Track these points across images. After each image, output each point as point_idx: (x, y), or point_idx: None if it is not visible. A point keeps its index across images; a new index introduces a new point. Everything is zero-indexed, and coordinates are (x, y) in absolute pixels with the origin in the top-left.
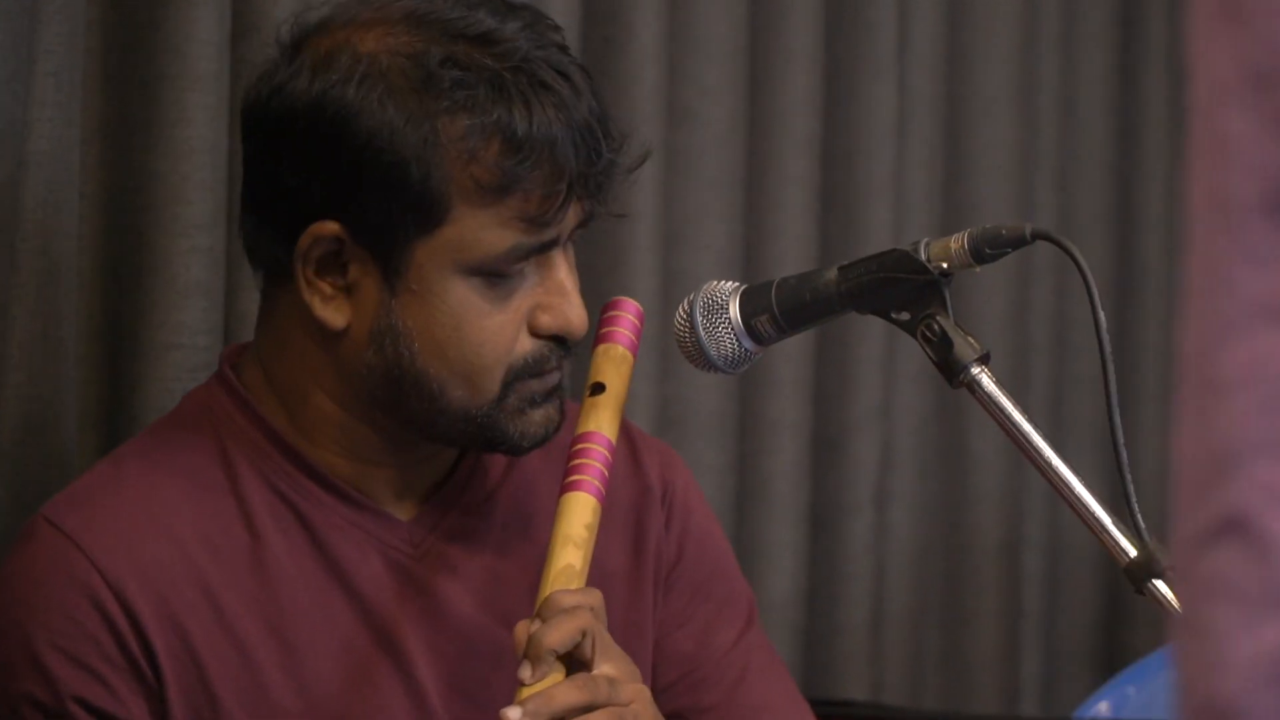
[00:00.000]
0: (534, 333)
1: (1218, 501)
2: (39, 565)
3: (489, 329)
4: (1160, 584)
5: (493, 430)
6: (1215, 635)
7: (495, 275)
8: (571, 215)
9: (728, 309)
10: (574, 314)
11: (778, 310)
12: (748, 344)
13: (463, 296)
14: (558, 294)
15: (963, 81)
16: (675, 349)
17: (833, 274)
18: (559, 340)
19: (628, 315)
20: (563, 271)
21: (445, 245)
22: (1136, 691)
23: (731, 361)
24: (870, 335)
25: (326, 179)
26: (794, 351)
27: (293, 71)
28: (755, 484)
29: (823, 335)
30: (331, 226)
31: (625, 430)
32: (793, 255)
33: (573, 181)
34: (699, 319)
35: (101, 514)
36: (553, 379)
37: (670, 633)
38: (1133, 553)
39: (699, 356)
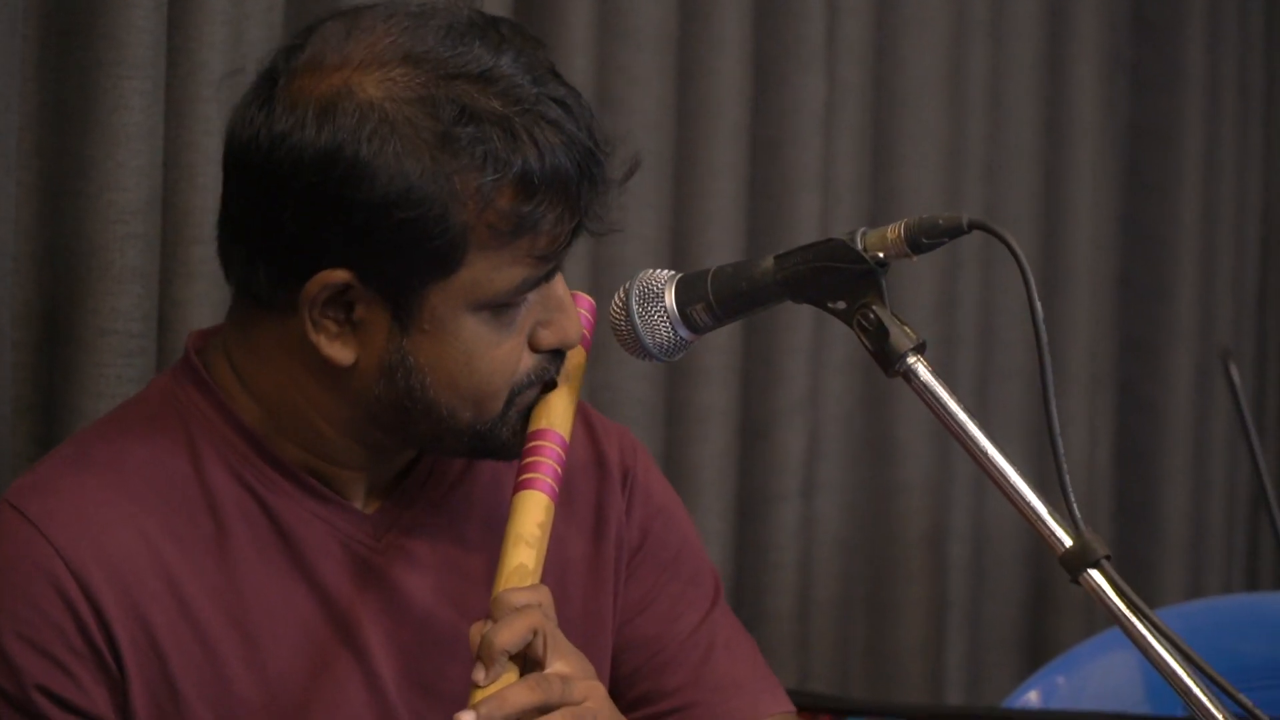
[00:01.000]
0: (534, 348)
1: None
2: (3, 552)
3: (498, 357)
4: (1095, 573)
5: (493, 440)
6: None
7: (503, 306)
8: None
9: (663, 297)
10: (572, 327)
11: (713, 299)
12: (683, 332)
13: (474, 331)
14: (557, 310)
15: (891, 72)
16: (605, 336)
17: (769, 263)
18: (555, 351)
19: (583, 311)
20: (560, 286)
21: (458, 288)
22: (1066, 681)
23: (667, 350)
24: (798, 324)
25: (338, 232)
26: (722, 340)
27: (295, 120)
28: (683, 472)
29: (750, 324)
30: (341, 274)
31: (584, 415)
32: (722, 244)
33: (581, 214)
34: (635, 307)
35: (67, 502)
36: (541, 389)
37: (633, 618)
38: (1068, 542)
39: (634, 344)
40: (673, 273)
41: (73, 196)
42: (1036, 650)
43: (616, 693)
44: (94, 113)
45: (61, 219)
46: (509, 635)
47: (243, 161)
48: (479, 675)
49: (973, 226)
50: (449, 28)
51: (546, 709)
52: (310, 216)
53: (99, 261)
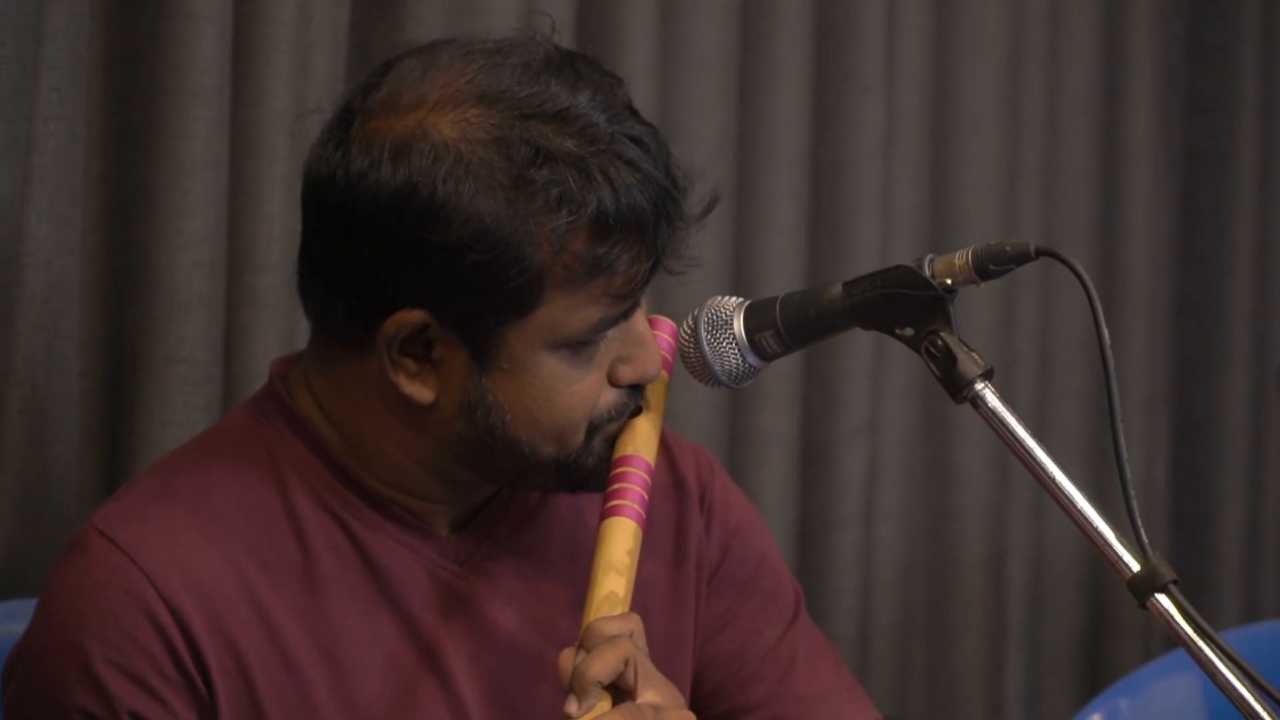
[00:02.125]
0: (614, 383)
1: None
2: (93, 578)
3: (578, 393)
4: (1162, 598)
5: (578, 471)
6: None
7: (581, 344)
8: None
9: (732, 324)
10: (651, 363)
11: (782, 326)
12: (752, 359)
13: (552, 369)
14: (637, 345)
15: (949, 97)
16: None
17: (837, 290)
18: (635, 386)
19: (663, 335)
20: (640, 322)
21: (536, 327)
22: (1129, 704)
23: (735, 377)
24: (859, 350)
25: (414, 272)
26: (783, 367)
27: (371, 160)
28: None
29: (811, 350)
30: (418, 314)
31: (661, 438)
32: (782, 269)
33: (658, 253)
34: (704, 334)
35: (155, 529)
36: (627, 418)
37: (714, 635)
38: (1135, 567)
39: (703, 371)
40: (741, 300)
41: (139, 225)
42: (1094, 674)
43: (701, 711)
44: (160, 141)
45: (128, 247)
46: (601, 666)
47: (320, 201)
48: (571, 707)
49: (1040, 253)
50: (525, 66)
51: None
52: (386, 257)
53: (165, 290)
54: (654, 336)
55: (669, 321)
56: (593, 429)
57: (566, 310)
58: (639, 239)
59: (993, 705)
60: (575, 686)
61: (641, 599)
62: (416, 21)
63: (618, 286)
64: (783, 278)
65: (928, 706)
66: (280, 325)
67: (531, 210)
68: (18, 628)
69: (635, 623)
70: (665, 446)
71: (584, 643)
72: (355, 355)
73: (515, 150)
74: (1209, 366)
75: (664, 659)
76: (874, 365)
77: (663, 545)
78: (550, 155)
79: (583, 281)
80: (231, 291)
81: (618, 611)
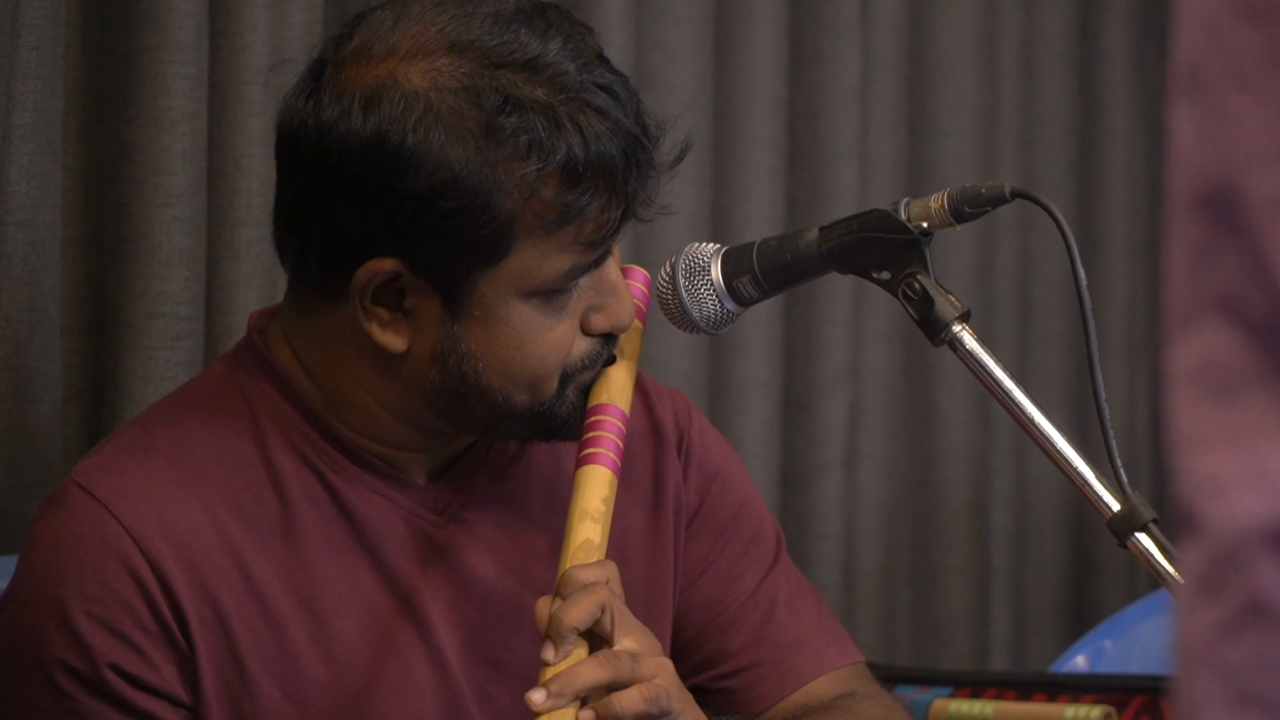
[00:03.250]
0: (586, 332)
1: (1176, 493)
2: (72, 532)
3: (550, 341)
4: (1143, 537)
5: (552, 419)
6: (1176, 617)
7: (553, 292)
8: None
9: (709, 270)
10: (624, 311)
11: (759, 271)
12: (729, 305)
13: (524, 317)
14: (610, 294)
15: (925, 43)
16: (651, 310)
17: (813, 235)
18: (608, 335)
19: (636, 284)
20: (613, 270)
21: (507, 275)
22: (1113, 644)
23: (713, 322)
24: (838, 295)
25: (385, 221)
26: (763, 313)
27: (342, 109)
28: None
29: (790, 296)
30: (390, 263)
31: (638, 384)
32: (761, 216)
33: (628, 202)
34: (681, 281)
35: (134, 481)
36: (601, 366)
37: (694, 581)
38: (1115, 507)
39: (681, 318)
40: (718, 246)
41: (118, 182)
42: (1079, 615)
43: (681, 657)
44: (138, 97)
45: (107, 204)
46: (577, 613)
47: (291, 150)
48: (548, 653)
49: (1015, 195)
50: (496, 15)
51: (616, 685)
52: (357, 206)
53: (146, 245)
54: (627, 286)
55: (643, 271)
56: (566, 378)
57: (538, 258)
58: (609, 186)
59: (978, 648)
60: (551, 633)
61: (620, 546)
62: None
63: (588, 234)
64: (761, 225)
65: (913, 650)
66: (261, 279)
67: (501, 157)
68: (1, 583)
69: (611, 570)
70: (643, 392)
71: (560, 590)
72: (330, 305)
73: (485, 98)
74: None
75: (643, 605)
76: (854, 310)
77: (641, 491)
78: (519, 103)
79: (553, 229)
80: (212, 246)
81: (594, 559)
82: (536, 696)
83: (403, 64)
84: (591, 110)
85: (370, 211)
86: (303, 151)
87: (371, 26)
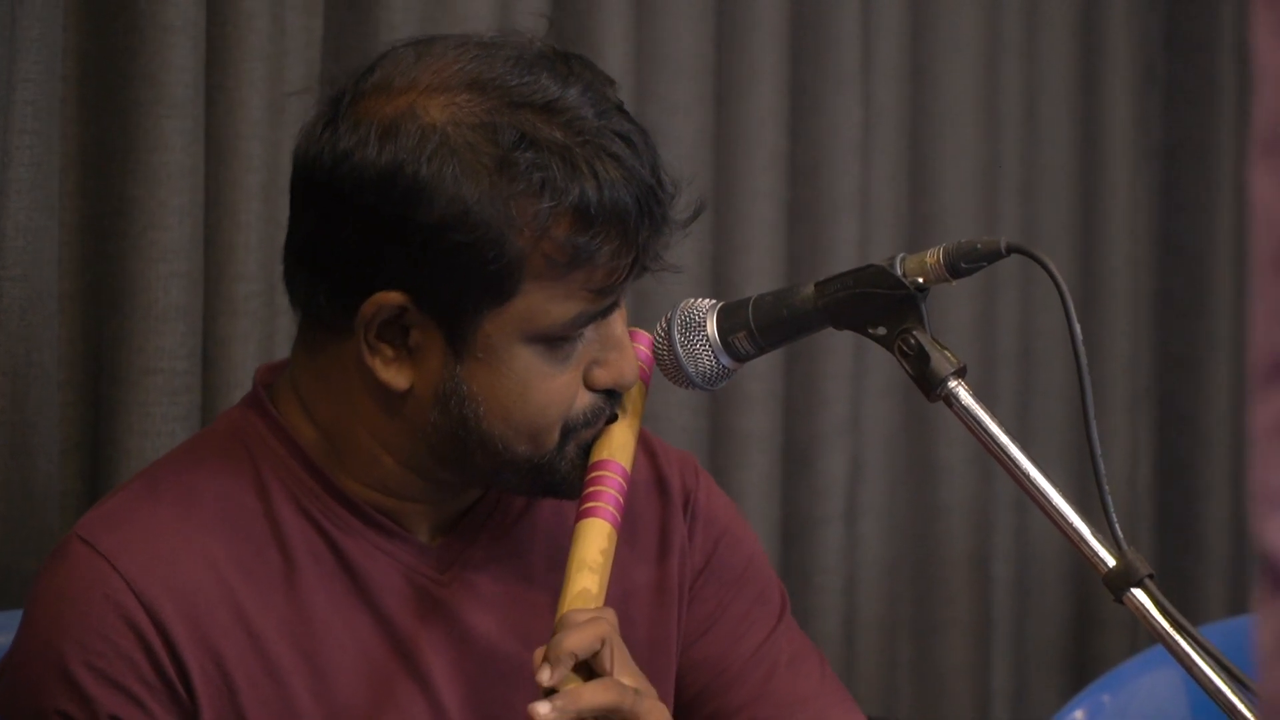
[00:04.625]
0: (590, 386)
1: (1259, 541)
2: (73, 585)
3: (552, 390)
4: (1138, 592)
5: (552, 475)
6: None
7: (558, 340)
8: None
9: (705, 326)
10: (628, 368)
11: (755, 327)
12: (725, 361)
13: (528, 363)
14: (614, 349)
15: (926, 94)
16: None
17: (809, 290)
18: (610, 391)
19: (640, 347)
20: (619, 325)
21: (513, 316)
22: (1111, 699)
23: (709, 378)
24: (839, 349)
25: (395, 252)
26: (763, 367)
27: (359, 139)
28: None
29: (791, 350)
30: (396, 296)
31: (645, 443)
32: (761, 270)
33: (638, 251)
34: (677, 336)
35: (137, 534)
36: (602, 425)
37: (697, 639)
38: (1111, 562)
39: (677, 374)
40: (714, 302)
41: (115, 236)
42: (1082, 669)
43: (683, 714)
44: (135, 152)
45: (104, 259)
46: (578, 638)
47: (306, 180)
48: (544, 675)
49: (1011, 250)
50: (519, 58)
51: (618, 712)
52: (369, 235)
53: (143, 301)
54: (628, 338)
55: (646, 334)
56: (567, 431)
57: (545, 301)
58: (620, 234)
59: (979, 701)
60: (550, 656)
61: (624, 608)
62: (390, 29)
63: (598, 281)
64: (762, 278)
65: (914, 703)
66: (258, 334)
67: (513, 193)
68: (3, 639)
69: (609, 615)
70: (650, 451)
71: (557, 631)
72: (336, 340)
73: (501, 134)
74: (1192, 360)
75: (648, 662)
76: (854, 364)
77: (646, 549)
78: (535, 142)
79: (562, 273)
80: (209, 301)
81: (591, 607)
82: (541, 709)
83: (422, 98)
84: (607, 156)
85: (380, 242)
86: (317, 181)
87: (394, 62)
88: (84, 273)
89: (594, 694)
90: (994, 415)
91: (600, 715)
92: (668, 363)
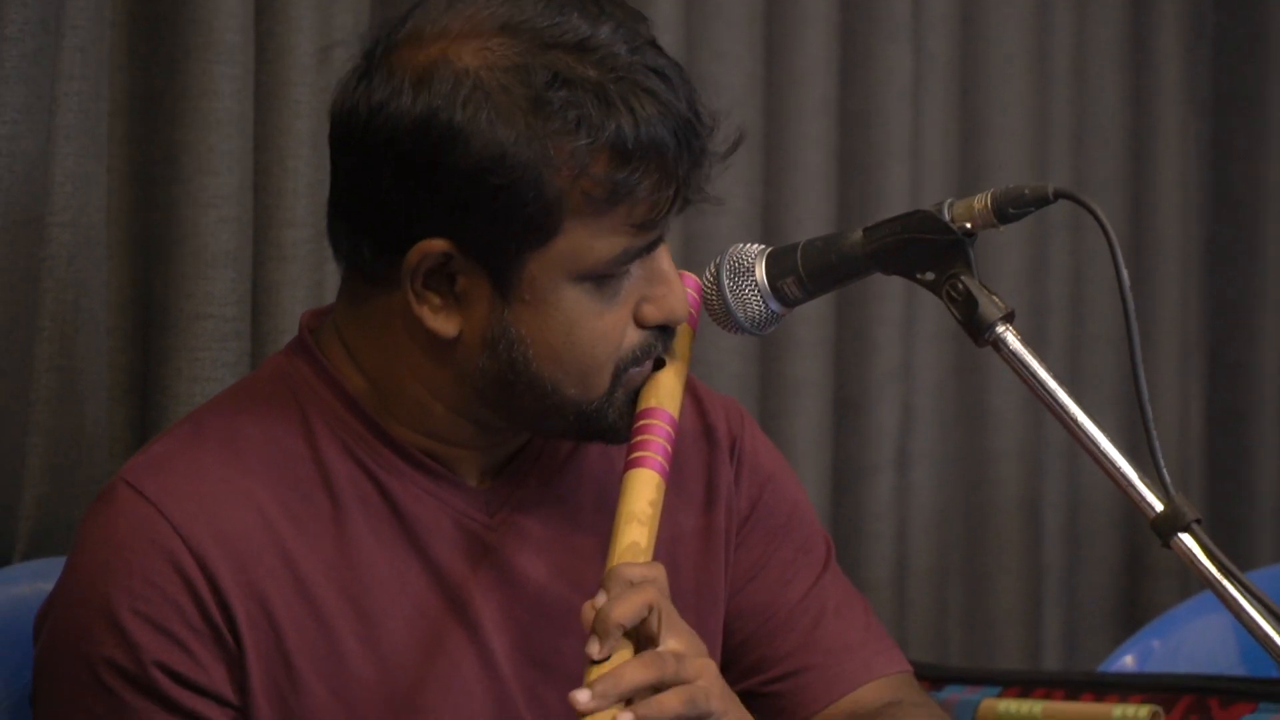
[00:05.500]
0: (639, 323)
1: None
2: (120, 530)
3: (601, 329)
4: (1186, 537)
5: (599, 421)
6: None
7: (605, 277)
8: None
9: (754, 271)
10: (678, 303)
11: (804, 272)
12: (774, 306)
13: (575, 301)
14: (662, 284)
15: (977, 43)
16: (699, 317)
17: (858, 235)
18: (662, 326)
19: (687, 290)
20: (665, 261)
21: (556, 256)
22: (1161, 644)
23: (758, 323)
24: (889, 296)
25: (435, 200)
26: (814, 313)
27: (393, 89)
28: (778, 445)
29: (842, 297)
30: (440, 244)
31: (691, 389)
32: (812, 217)
33: (679, 184)
34: (726, 281)
35: (183, 479)
36: (650, 366)
37: (744, 586)
38: (1158, 507)
39: (726, 318)
40: (763, 247)
41: (165, 183)
42: (1132, 614)
43: (730, 661)
44: (184, 99)
45: (154, 205)
46: (624, 610)
47: (343, 133)
48: (593, 649)
49: (1059, 196)
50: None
51: (661, 686)
52: (408, 185)
53: (192, 247)
54: (675, 273)
55: (693, 277)
56: (618, 372)
57: (588, 239)
58: (659, 167)
59: (1030, 648)
60: (598, 628)
61: (671, 553)
62: None
63: (640, 216)
64: (813, 225)
65: (965, 650)
66: (307, 280)
67: (549, 132)
68: (49, 585)
69: (659, 570)
70: (695, 396)
71: (606, 588)
72: (382, 292)
73: (534, 75)
74: (1242, 309)
75: (694, 611)
76: (905, 310)
77: (693, 495)
78: (569, 80)
79: (603, 209)
80: (258, 247)
81: (640, 560)
82: (581, 697)
83: (454, 44)
84: (642, 91)
85: (420, 190)
86: (354, 134)
87: (425, 12)
88: (133, 219)
89: (634, 673)
90: (1042, 361)
91: (644, 690)
92: (716, 308)
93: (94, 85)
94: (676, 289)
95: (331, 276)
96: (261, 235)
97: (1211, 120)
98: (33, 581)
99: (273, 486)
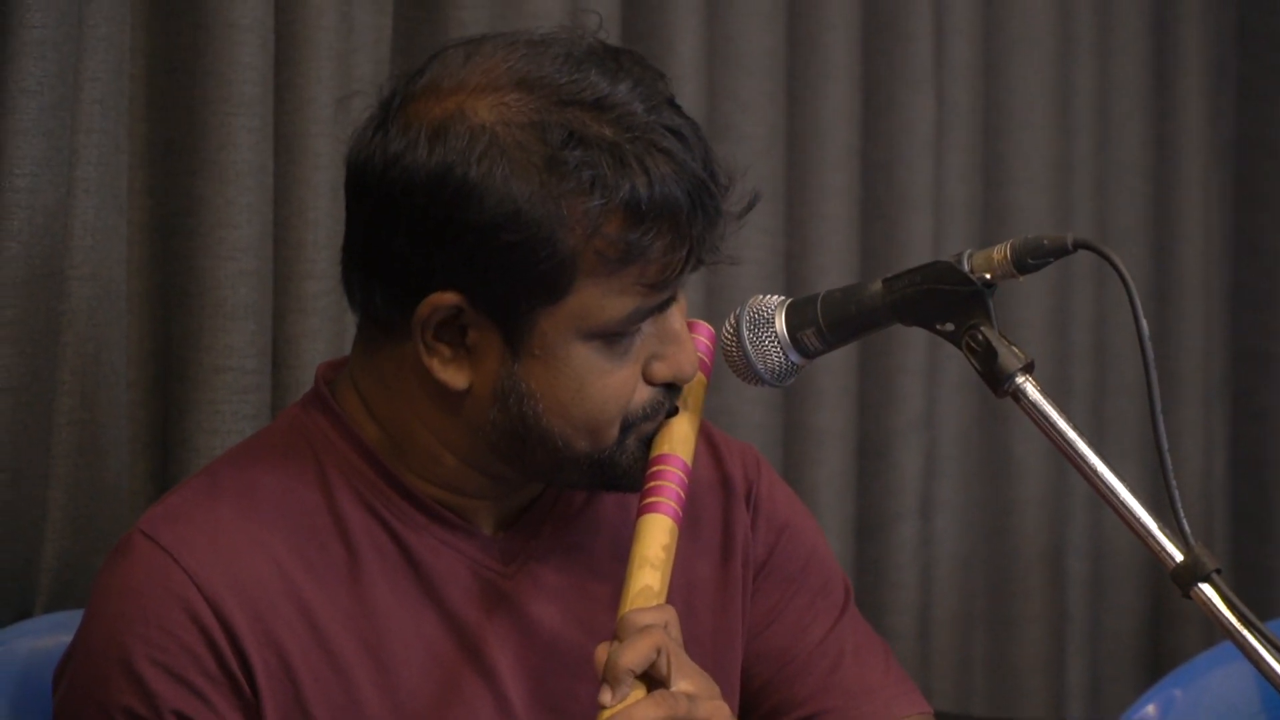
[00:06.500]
0: (649, 381)
1: None
2: (136, 579)
3: (610, 386)
4: (1206, 587)
5: (612, 469)
6: None
7: (615, 335)
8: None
9: (774, 323)
10: (687, 361)
11: (823, 323)
12: (794, 357)
13: (585, 359)
14: (672, 343)
15: (999, 91)
16: (720, 362)
17: (877, 286)
18: (670, 385)
19: (701, 338)
20: (677, 319)
21: (568, 314)
22: (1183, 694)
23: (778, 375)
24: (912, 345)
25: (447, 253)
26: (837, 362)
27: (409, 141)
28: (801, 494)
29: (865, 346)
30: (451, 296)
31: (707, 436)
32: (834, 267)
33: (692, 245)
34: (745, 333)
35: (199, 530)
36: (663, 418)
37: (761, 631)
38: (1179, 557)
39: (746, 370)
40: (782, 298)
41: (184, 235)
42: (1157, 663)
43: (750, 706)
44: (203, 150)
45: (173, 257)
46: (633, 655)
47: (358, 182)
48: (605, 696)
49: (1078, 246)
50: (568, 55)
51: None
52: (421, 237)
53: (212, 299)
54: (686, 330)
55: (707, 325)
56: (627, 426)
57: (599, 298)
58: (673, 229)
59: (1055, 697)
60: (609, 676)
61: (687, 599)
62: (459, 25)
63: (652, 276)
64: (835, 275)
65: (989, 699)
66: (328, 332)
67: (563, 191)
68: (70, 637)
69: (669, 614)
70: (712, 444)
71: (618, 634)
72: (394, 342)
73: (550, 133)
74: (1266, 355)
75: (712, 655)
76: (928, 359)
77: (709, 542)
78: (585, 139)
79: (615, 269)
80: (278, 299)
81: (652, 604)
82: None
83: (471, 98)
84: (658, 151)
85: (433, 244)
86: (369, 183)
87: (443, 63)
88: (153, 271)
89: (645, 712)
90: (1063, 411)
91: None
92: (736, 359)
93: (113, 138)
94: (687, 348)
95: (352, 328)
96: (282, 288)
97: (1234, 166)
98: (54, 634)
99: (288, 537)
